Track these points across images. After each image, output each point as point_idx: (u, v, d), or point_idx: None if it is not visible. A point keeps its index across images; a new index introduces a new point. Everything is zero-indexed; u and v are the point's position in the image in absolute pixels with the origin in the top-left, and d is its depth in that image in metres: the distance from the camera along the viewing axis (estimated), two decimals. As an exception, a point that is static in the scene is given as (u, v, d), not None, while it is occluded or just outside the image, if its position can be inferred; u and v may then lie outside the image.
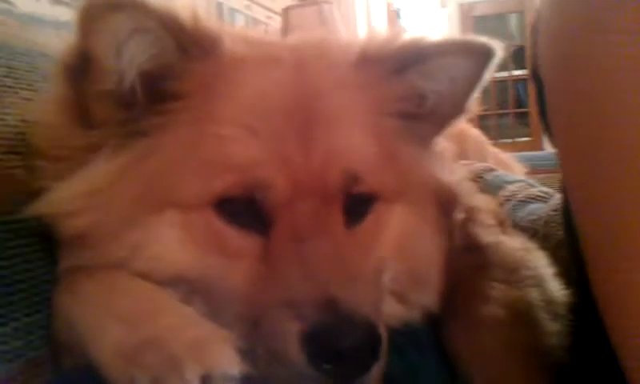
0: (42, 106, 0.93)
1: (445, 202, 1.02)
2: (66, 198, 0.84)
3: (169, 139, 0.84)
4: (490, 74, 0.98)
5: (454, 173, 1.11)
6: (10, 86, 1.04)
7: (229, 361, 0.69)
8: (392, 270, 0.93)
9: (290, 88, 0.88)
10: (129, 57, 0.81)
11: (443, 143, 1.09)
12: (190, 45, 0.84)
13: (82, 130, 0.84)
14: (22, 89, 1.06)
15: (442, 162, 1.06)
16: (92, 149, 0.84)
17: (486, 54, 0.95)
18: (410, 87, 0.96)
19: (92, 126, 0.84)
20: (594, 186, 0.75)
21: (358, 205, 0.90)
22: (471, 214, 1.09)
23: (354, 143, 0.89)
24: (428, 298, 0.97)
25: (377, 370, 0.76)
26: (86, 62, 0.81)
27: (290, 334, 0.73)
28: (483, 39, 0.95)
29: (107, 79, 0.82)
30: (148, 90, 0.84)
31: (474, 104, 1.02)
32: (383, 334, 0.77)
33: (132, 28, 0.80)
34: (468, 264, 1.02)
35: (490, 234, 1.09)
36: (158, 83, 0.84)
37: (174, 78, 0.85)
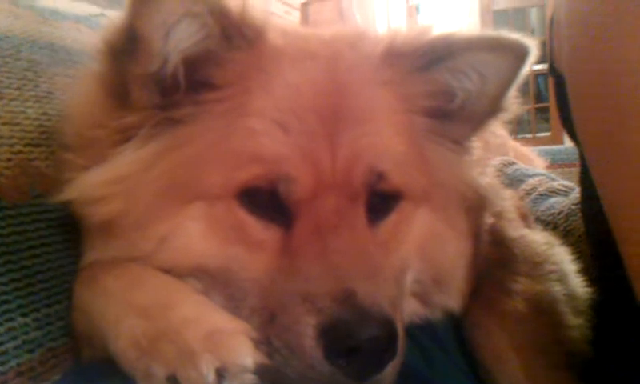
0: (82, 81, 0.93)
1: (474, 205, 1.00)
2: (96, 183, 0.84)
3: (200, 130, 0.84)
4: (525, 72, 0.93)
5: (485, 175, 1.08)
6: (30, 79, 1.05)
7: (244, 353, 0.69)
8: (415, 271, 0.92)
9: (321, 85, 0.88)
10: (175, 41, 0.82)
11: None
12: (235, 34, 0.84)
13: (119, 110, 0.85)
14: (43, 82, 1.07)
15: (474, 164, 1.04)
16: (126, 131, 0.85)
17: (518, 51, 0.92)
18: (438, 84, 0.94)
19: (129, 107, 0.84)
20: (620, 175, 0.76)
21: (382, 202, 0.89)
22: (500, 217, 1.07)
23: (381, 141, 0.89)
24: (451, 300, 0.96)
25: (393, 368, 0.75)
26: (132, 42, 0.81)
27: (306, 328, 0.73)
28: (515, 36, 0.91)
29: (151, 61, 0.82)
30: (188, 77, 0.84)
31: (510, 104, 0.98)
32: (400, 331, 0.76)
33: (182, 12, 0.80)
34: (493, 258, 1.01)
35: (514, 229, 1.08)
36: (199, 71, 0.85)
37: (215, 66, 0.85)
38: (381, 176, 0.87)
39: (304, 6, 4.25)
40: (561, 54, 0.94)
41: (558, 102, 1.06)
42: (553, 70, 1.03)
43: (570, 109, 0.86)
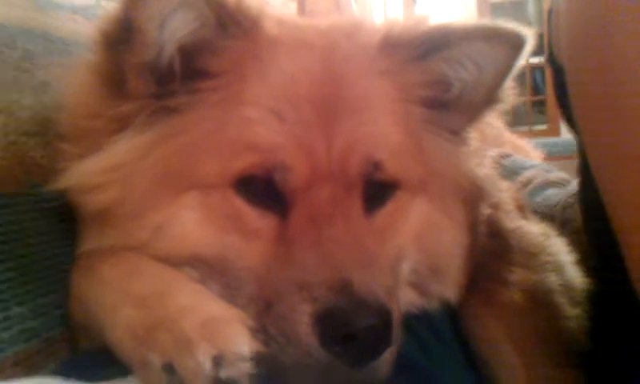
0: (78, 71, 0.93)
1: (471, 196, 1.01)
2: (92, 171, 0.84)
3: (196, 118, 0.84)
4: (522, 62, 0.93)
5: (482, 166, 1.08)
6: (26, 69, 1.05)
7: (241, 341, 0.69)
8: (411, 261, 0.93)
9: (317, 74, 0.88)
10: (171, 30, 0.82)
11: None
12: (230, 23, 0.84)
13: (115, 100, 0.85)
14: (39, 72, 1.07)
15: (471, 155, 1.04)
16: (122, 120, 0.84)
17: (514, 41, 0.92)
18: (434, 74, 0.94)
19: (125, 97, 0.84)
20: (619, 166, 0.76)
21: (378, 191, 0.89)
22: (497, 208, 1.08)
23: (377, 131, 0.89)
24: (447, 290, 0.97)
25: (389, 355, 0.76)
26: (128, 31, 0.81)
27: (302, 316, 0.73)
28: (512, 25, 0.91)
29: (147, 51, 0.82)
30: (184, 66, 0.84)
31: (507, 94, 0.98)
32: (396, 319, 0.76)
33: (178, 1, 0.80)
34: (489, 249, 1.01)
35: (511, 220, 1.08)
36: (195, 59, 0.85)
37: (211, 54, 0.85)
38: (377, 165, 0.87)
39: (301, -4, 4.23)
40: (560, 46, 0.94)
41: (556, 92, 1.06)
42: (552, 61, 1.02)
43: (569, 98, 0.86)
